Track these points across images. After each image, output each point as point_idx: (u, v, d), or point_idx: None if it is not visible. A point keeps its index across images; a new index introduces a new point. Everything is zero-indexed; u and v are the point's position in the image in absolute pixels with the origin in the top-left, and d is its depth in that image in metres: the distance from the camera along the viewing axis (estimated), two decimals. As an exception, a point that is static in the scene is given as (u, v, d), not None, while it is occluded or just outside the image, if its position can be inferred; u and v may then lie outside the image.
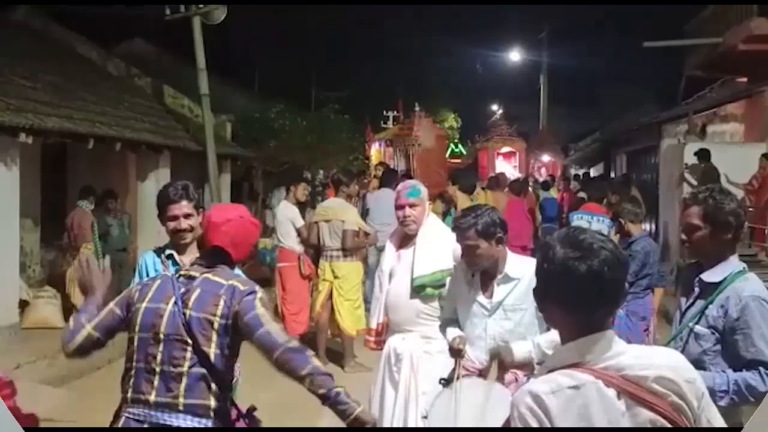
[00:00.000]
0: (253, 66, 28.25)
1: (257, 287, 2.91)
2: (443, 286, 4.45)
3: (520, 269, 3.76)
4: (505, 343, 3.68)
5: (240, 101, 20.38)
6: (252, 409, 3.04)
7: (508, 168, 23.82)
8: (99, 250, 9.53)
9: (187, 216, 3.92)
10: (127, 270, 10.66)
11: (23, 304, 9.02)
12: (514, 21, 34.59)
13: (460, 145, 30.27)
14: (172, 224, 3.95)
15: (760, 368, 2.95)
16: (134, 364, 2.85)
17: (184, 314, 2.80)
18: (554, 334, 3.33)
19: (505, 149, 25.30)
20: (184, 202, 3.92)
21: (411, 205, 4.53)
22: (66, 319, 9.14)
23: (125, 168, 12.38)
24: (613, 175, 21.92)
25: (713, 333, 3.07)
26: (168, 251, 4.09)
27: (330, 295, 8.11)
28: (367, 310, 9.85)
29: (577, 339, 1.89)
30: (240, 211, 3.07)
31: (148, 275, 4.00)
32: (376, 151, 21.32)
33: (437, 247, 4.49)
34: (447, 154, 28.87)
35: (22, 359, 7.40)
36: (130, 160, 12.18)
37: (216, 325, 2.79)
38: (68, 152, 11.27)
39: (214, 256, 2.98)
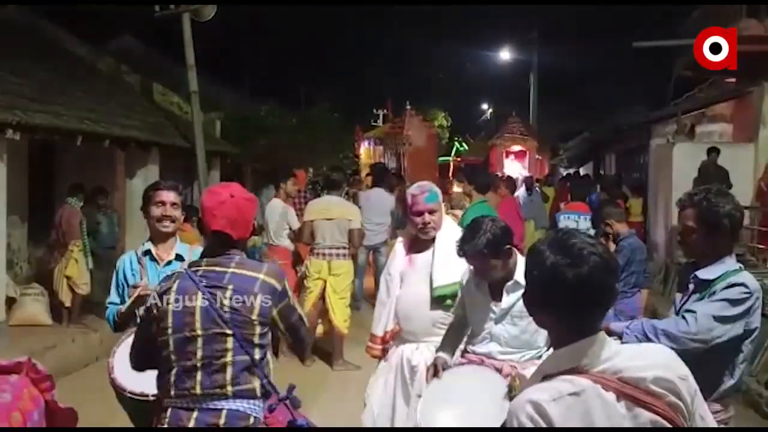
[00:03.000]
0: (244, 64, 28.21)
1: (285, 279, 3.02)
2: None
3: None
4: (515, 350, 3.67)
5: (230, 99, 20.35)
6: (291, 387, 3.06)
7: (518, 167, 23.64)
8: (87, 247, 9.49)
9: (174, 205, 3.97)
10: (116, 267, 10.63)
11: (10, 302, 8.96)
12: (505, 20, 34.61)
13: (464, 144, 30.31)
14: (158, 210, 3.97)
15: (683, 313, 3.06)
16: (173, 364, 2.86)
17: (220, 308, 2.82)
18: None
19: (516, 148, 25.02)
20: (173, 193, 3.99)
21: (431, 211, 4.34)
22: (53, 316, 9.18)
23: (114, 165, 12.30)
24: (602, 174, 21.97)
25: None
26: (145, 247, 4.09)
27: (321, 294, 8.06)
28: (357, 308, 9.92)
29: (569, 343, 1.88)
30: (232, 190, 3.02)
31: (125, 278, 4.02)
32: (365, 150, 21.32)
33: (456, 255, 4.21)
34: (453, 153, 28.99)
35: (9, 357, 7.35)
36: (119, 157, 12.11)
37: (255, 319, 2.84)
38: (56, 149, 11.19)
39: (220, 243, 2.98)
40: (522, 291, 3.52)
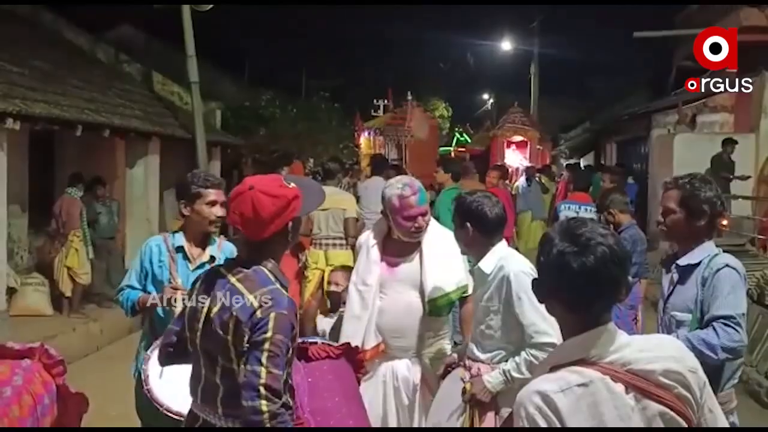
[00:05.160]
0: (244, 54, 28.16)
1: (274, 312, 2.48)
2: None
3: (492, 265, 3.46)
4: (486, 349, 3.51)
5: (230, 89, 20.32)
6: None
7: (518, 158, 23.49)
8: (87, 237, 9.49)
9: (223, 204, 3.70)
10: (116, 257, 10.64)
11: (11, 291, 8.97)
12: (506, 10, 34.55)
13: (465, 134, 30.24)
14: (212, 210, 3.75)
15: (714, 323, 3.01)
16: (201, 371, 2.65)
17: (209, 321, 2.57)
18: (519, 359, 3.35)
19: (517, 138, 24.82)
20: (222, 191, 3.77)
21: (424, 214, 3.84)
22: (54, 306, 9.19)
23: (114, 155, 12.31)
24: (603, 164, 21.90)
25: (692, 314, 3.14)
26: (178, 242, 3.87)
27: (320, 284, 8.06)
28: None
29: (579, 334, 1.85)
30: (254, 181, 2.62)
31: (151, 263, 3.84)
32: (365, 140, 21.24)
33: (448, 257, 3.87)
34: (453, 143, 28.89)
35: (10, 347, 7.36)
36: (119, 147, 12.11)
37: (230, 345, 2.52)
38: (56, 139, 11.18)
39: (242, 244, 2.72)
40: (485, 281, 3.49)
